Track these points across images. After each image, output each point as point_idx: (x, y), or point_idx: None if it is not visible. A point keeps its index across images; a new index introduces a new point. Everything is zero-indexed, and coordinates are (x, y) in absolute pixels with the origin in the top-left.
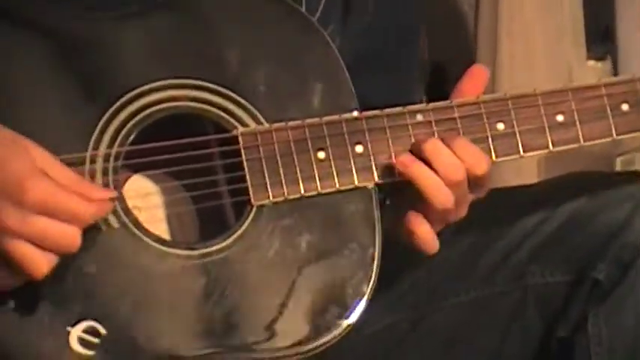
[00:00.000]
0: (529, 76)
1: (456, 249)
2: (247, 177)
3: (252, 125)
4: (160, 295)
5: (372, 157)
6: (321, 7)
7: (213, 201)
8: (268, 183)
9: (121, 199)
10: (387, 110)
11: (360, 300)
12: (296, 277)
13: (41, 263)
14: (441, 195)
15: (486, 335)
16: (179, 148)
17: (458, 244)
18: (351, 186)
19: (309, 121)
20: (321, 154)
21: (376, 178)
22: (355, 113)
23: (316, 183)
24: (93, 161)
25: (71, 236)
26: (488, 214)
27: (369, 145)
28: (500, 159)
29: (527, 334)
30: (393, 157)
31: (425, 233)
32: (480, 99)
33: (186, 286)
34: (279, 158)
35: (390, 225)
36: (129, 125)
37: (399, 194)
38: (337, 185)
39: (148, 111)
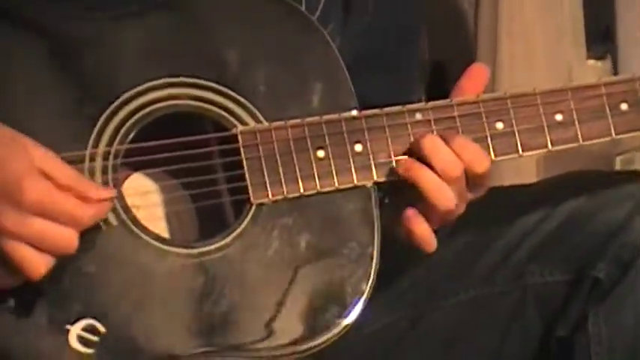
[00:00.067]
0: (529, 76)
1: (455, 248)
2: (247, 175)
3: (252, 124)
4: (159, 293)
5: (371, 156)
6: (320, 7)
7: (213, 199)
8: (268, 182)
9: (120, 197)
10: (387, 109)
11: (360, 299)
12: (295, 276)
13: (38, 264)
14: (442, 196)
15: (486, 335)
16: (178, 147)
17: (457, 243)
18: (350, 185)
19: (308, 119)
20: (321, 153)
21: (375, 177)
22: (354, 112)
23: (315, 182)
24: (92, 159)
25: (68, 239)
26: (487, 214)
27: (369, 144)
28: (499, 158)
29: (526, 333)
30: (393, 156)
31: (423, 231)
32: (479, 98)
33: (186, 285)
34: (278, 157)
35: (389, 223)
36: (128, 123)
37: (398, 193)
38: (336, 184)
39: (147, 109)
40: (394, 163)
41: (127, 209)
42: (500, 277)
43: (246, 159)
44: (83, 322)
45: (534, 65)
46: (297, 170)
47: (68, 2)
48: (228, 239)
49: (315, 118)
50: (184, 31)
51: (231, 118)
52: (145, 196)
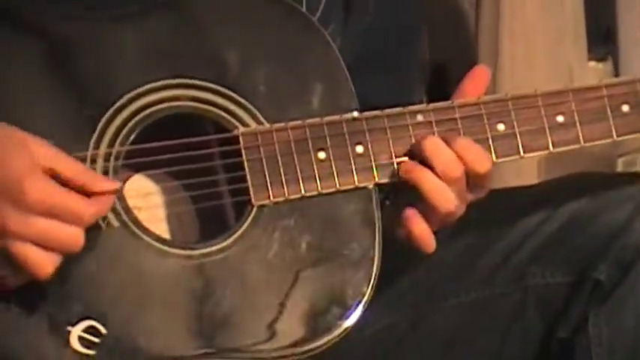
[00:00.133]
0: (530, 77)
1: (456, 249)
2: (248, 177)
3: (253, 125)
4: (160, 294)
5: (372, 158)
6: (321, 7)
7: (214, 201)
8: (269, 183)
9: (121, 198)
10: (388, 111)
11: (360, 301)
12: (296, 278)
13: (45, 264)
14: (443, 198)
15: (487, 336)
16: (180, 148)
17: (458, 244)
18: (351, 186)
19: (309, 121)
20: (322, 155)
21: (376, 179)
22: (355, 113)
23: (317, 183)
24: (93, 161)
25: (74, 236)
26: (488, 215)
27: (370, 146)
28: (500, 160)
29: (527, 335)
30: (394, 157)
31: (422, 232)
32: (480, 100)
33: (186, 286)
34: (279, 158)
35: (389, 224)
36: (129, 125)
37: (398, 194)
38: (337, 185)
39: (148, 111)
40: (395, 165)
41: (128, 210)
42: (501, 279)
43: (248, 160)
44: (84, 324)
45: (535, 66)
46: (299, 171)
47: (68, 2)
48: (229, 241)
49: (316, 120)
50: (184, 32)
51: (232, 120)
52: (146, 198)
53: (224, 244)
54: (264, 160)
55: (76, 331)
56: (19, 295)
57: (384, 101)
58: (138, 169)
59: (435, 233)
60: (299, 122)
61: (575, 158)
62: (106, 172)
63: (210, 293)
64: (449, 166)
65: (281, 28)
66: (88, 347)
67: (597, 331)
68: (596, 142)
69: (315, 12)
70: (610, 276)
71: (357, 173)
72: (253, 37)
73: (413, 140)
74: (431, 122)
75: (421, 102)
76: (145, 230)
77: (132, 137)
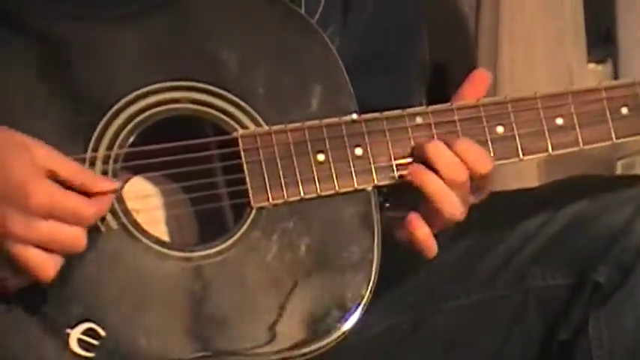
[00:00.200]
0: (529, 79)
1: (457, 252)
2: (247, 179)
3: (252, 127)
4: (159, 297)
5: (371, 160)
6: (320, 9)
7: (213, 203)
8: (268, 185)
9: (120, 200)
10: (387, 113)
11: (360, 303)
12: (295, 280)
13: (48, 266)
14: (447, 201)
15: (487, 338)
16: (178, 151)
17: (459, 246)
18: (350, 188)
19: (308, 123)
20: (321, 157)
21: (375, 181)
22: (354, 116)
23: (316, 185)
24: (92, 163)
25: (76, 237)
26: (489, 217)
27: (369, 148)
28: (499, 162)
29: (528, 337)
30: (393, 159)
31: (424, 236)
32: (479, 102)
33: (185, 288)
34: (278, 160)
35: (389, 226)
36: (128, 127)
37: (398, 196)
38: (337, 188)
39: (147, 113)
40: (394, 167)
41: (127, 213)
42: (502, 281)
43: (247, 163)
44: (83, 326)
45: (535, 68)
46: (298, 174)
47: (68, 2)
48: (228, 243)
49: (315, 122)
50: (184, 34)
51: (231, 122)
52: (145, 200)
53: (223, 246)
54: (263, 162)
55: (75, 333)
56: (19, 297)
57: (383, 102)
58: (137, 171)
59: (435, 236)
60: (298, 124)
61: (574, 161)
62: (104, 175)
63: (209, 296)
64: (452, 170)
65: (280, 30)
66: (87, 350)
67: (598, 332)
68: (596, 145)
69: (314, 14)
70: (610, 278)
71: (356, 175)
72: (252, 39)
73: (412, 142)
74: (430, 124)
75: (421, 103)
76: (144, 232)
77: (131, 139)
